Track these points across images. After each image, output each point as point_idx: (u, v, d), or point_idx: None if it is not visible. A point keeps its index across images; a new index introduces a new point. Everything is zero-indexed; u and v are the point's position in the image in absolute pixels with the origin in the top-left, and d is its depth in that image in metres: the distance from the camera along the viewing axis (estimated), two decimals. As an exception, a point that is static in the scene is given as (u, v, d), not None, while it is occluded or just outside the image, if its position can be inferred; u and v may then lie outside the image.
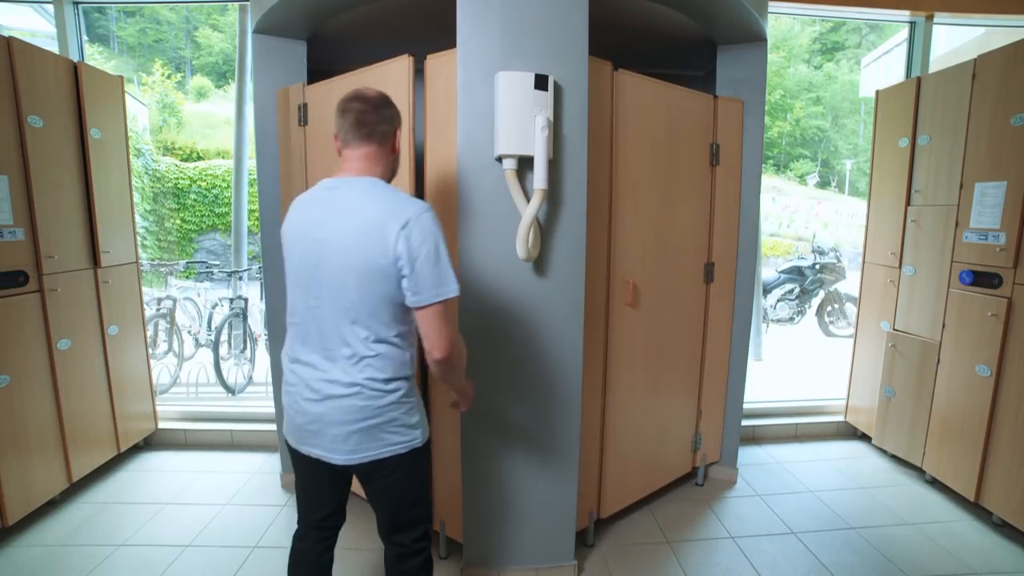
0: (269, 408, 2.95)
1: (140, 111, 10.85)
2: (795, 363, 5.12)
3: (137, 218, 4.04)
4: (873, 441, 3.02)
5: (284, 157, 2.39)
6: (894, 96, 2.87)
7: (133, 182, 2.87)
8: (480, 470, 1.91)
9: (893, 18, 3.34)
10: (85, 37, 3.17)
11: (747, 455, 2.98)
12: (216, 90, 15.88)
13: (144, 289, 3.03)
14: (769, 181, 16.49)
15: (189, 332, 4.41)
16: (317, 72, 2.62)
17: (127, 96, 2.82)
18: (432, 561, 1.50)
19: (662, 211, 2.27)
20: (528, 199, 1.72)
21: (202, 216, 10.23)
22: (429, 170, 1.93)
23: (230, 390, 3.85)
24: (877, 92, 3.00)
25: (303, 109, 2.27)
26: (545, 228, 1.82)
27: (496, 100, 1.70)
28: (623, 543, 2.24)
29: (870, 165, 3.05)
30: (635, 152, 2.13)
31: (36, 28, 4.93)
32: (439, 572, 2.02)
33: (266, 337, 3.83)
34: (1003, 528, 2.29)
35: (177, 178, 10.13)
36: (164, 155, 10.72)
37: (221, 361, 3.87)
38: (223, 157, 10.94)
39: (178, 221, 10.14)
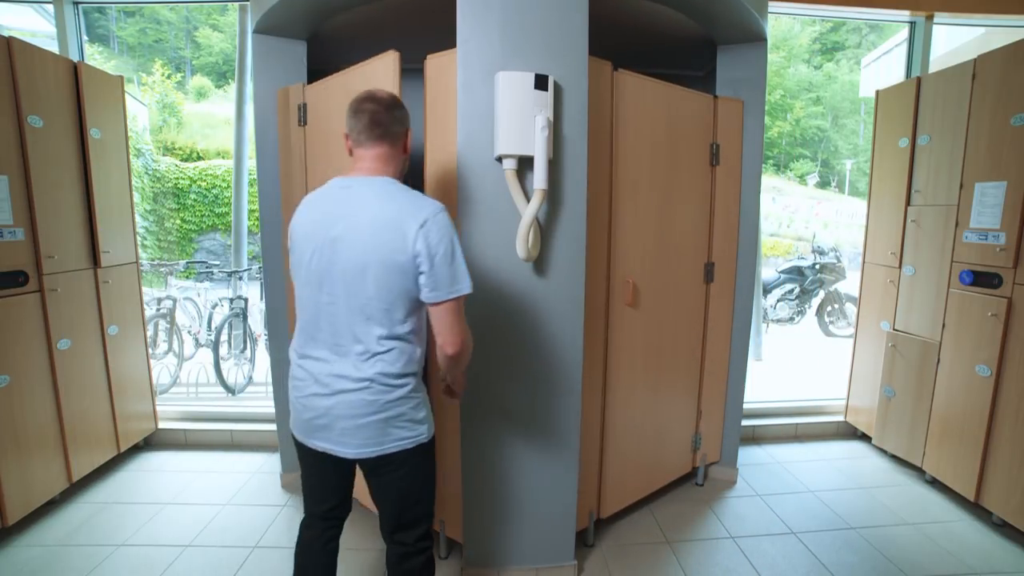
0: (269, 408, 2.95)
1: (140, 111, 10.85)
2: (795, 363, 5.12)
3: (137, 218, 4.04)
4: (873, 441, 3.02)
5: (284, 157, 2.39)
6: (894, 96, 2.87)
7: (133, 182, 2.87)
8: (480, 470, 1.91)
9: (893, 18, 3.34)
10: (85, 37, 3.17)
11: (747, 455, 2.98)
12: (216, 90, 15.88)
13: (144, 289, 3.04)
14: (769, 181, 16.50)
15: (189, 332, 4.41)
16: (317, 72, 2.62)
17: (127, 96, 2.82)
18: (434, 561, 1.52)
19: (662, 211, 2.27)
20: (528, 199, 1.72)
21: (202, 216, 10.23)
22: (429, 170, 1.93)
23: (230, 390, 3.85)
24: (877, 92, 3.00)
25: (303, 109, 2.27)
26: (545, 228, 1.82)
27: (496, 100, 1.70)
28: (623, 543, 2.24)
29: (870, 165, 3.05)
30: (635, 152, 2.13)
31: (36, 28, 4.93)
32: (439, 572, 2.02)
33: (266, 337, 3.84)
34: (1003, 528, 2.29)
35: (177, 178, 10.14)
36: (164, 155, 10.73)
37: (221, 361, 3.87)
38: (223, 157, 10.94)
39: (178, 221, 10.15)
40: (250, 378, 4.06)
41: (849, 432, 3.25)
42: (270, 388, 2.99)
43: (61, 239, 2.38)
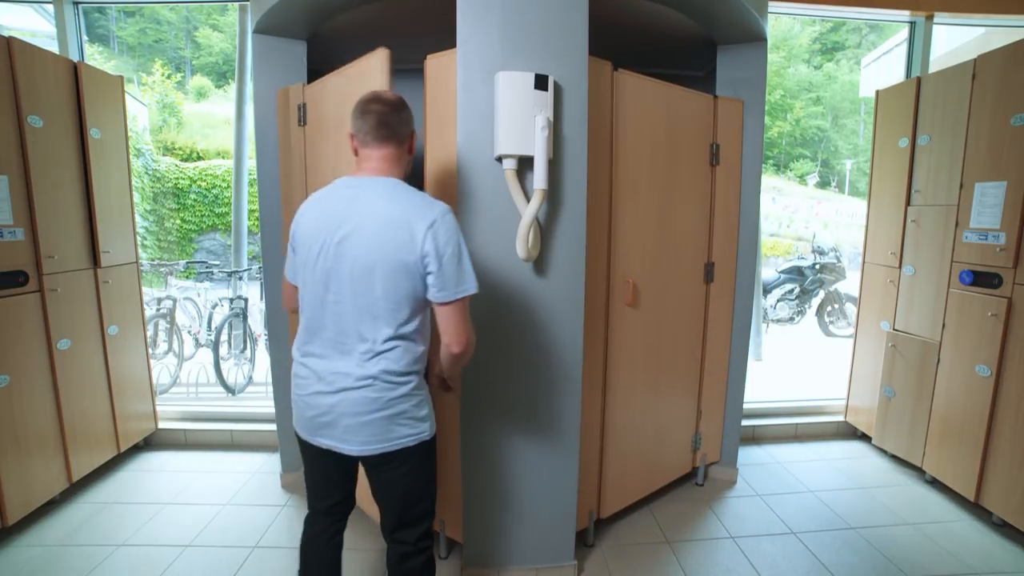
0: (269, 408, 2.95)
1: (140, 111, 10.85)
2: (795, 363, 5.12)
3: (137, 218, 4.04)
4: (873, 441, 3.02)
5: (284, 157, 2.39)
6: (894, 96, 2.87)
7: (133, 182, 2.87)
8: (480, 470, 1.91)
9: (893, 18, 3.34)
10: (85, 37, 3.17)
11: (747, 455, 2.98)
12: (216, 90, 15.88)
13: (144, 289, 3.03)
14: (769, 181, 16.50)
15: (189, 332, 4.41)
16: (317, 72, 2.62)
17: (127, 96, 2.82)
18: (435, 561, 1.52)
19: (662, 211, 2.27)
20: (528, 199, 1.72)
21: (202, 216, 10.23)
22: (429, 170, 1.93)
23: (230, 390, 3.85)
24: (877, 92, 3.00)
25: (303, 109, 2.27)
26: (545, 228, 1.82)
27: (496, 100, 1.70)
28: (623, 543, 2.24)
29: (870, 165, 3.05)
30: (635, 152, 2.13)
31: (36, 28, 4.93)
32: (439, 572, 2.02)
33: (266, 337, 3.84)
34: (1003, 528, 2.29)
35: (177, 178, 10.14)
36: (164, 155, 10.73)
37: (221, 361, 3.87)
38: (223, 157, 10.94)
39: (178, 221, 10.15)
40: (250, 378, 4.06)
41: (849, 432, 3.25)
42: (270, 388, 2.99)
43: (61, 239, 2.38)
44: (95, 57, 13.23)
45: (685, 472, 2.65)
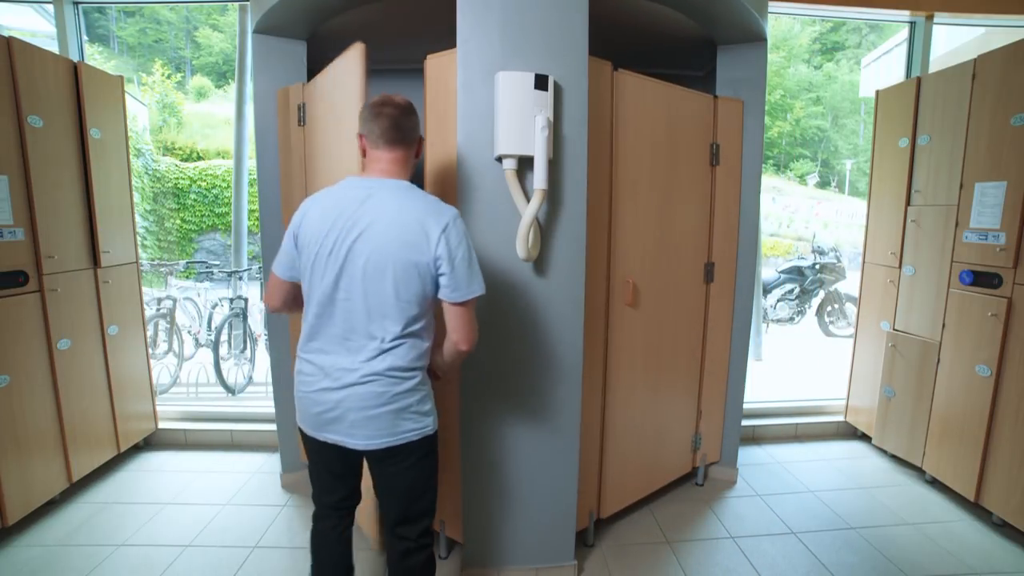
0: (269, 408, 2.95)
1: (140, 111, 10.85)
2: (795, 363, 5.12)
3: (137, 218, 4.04)
4: (873, 441, 3.02)
5: (284, 157, 2.39)
6: (894, 96, 2.87)
7: (133, 182, 2.87)
8: (480, 470, 1.91)
9: (893, 18, 3.34)
10: (85, 37, 3.17)
11: (747, 455, 2.98)
12: (216, 90, 15.88)
13: (144, 289, 3.03)
14: (769, 181, 16.49)
15: (189, 332, 4.41)
16: (317, 72, 2.62)
17: (127, 96, 2.82)
18: (435, 559, 1.54)
19: (662, 211, 2.27)
20: (528, 199, 1.72)
21: (202, 216, 10.23)
22: (429, 170, 1.93)
23: (230, 390, 3.85)
24: (877, 92, 3.00)
25: (303, 109, 2.27)
26: (545, 228, 1.82)
27: (496, 100, 1.70)
28: (623, 543, 2.24)
29: (870, 165, 3.05)
30: (635, 152, 2.13)
31: (36, 28, 4.93)
32: (439, 572, 2.02)
33: (266, 337, 3.84)
34: (1003, 528, 2.29)
35: (177, 178, 10.14)
36: (164, 155, 10.73)
37: (221, 361, 3.87)
38: (223, 157, 10.94)
39: (178, 221, 10.15)
40: (250, 378, 4.06)
41: (849, 432, 3.25)
42: (270, 388, 2.99)
43: (61, 239, 2.38)
44: (95, 57, 13.23)
45: (685, 472, 2.65)
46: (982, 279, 2.31)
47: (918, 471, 2.75)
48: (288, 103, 2.32)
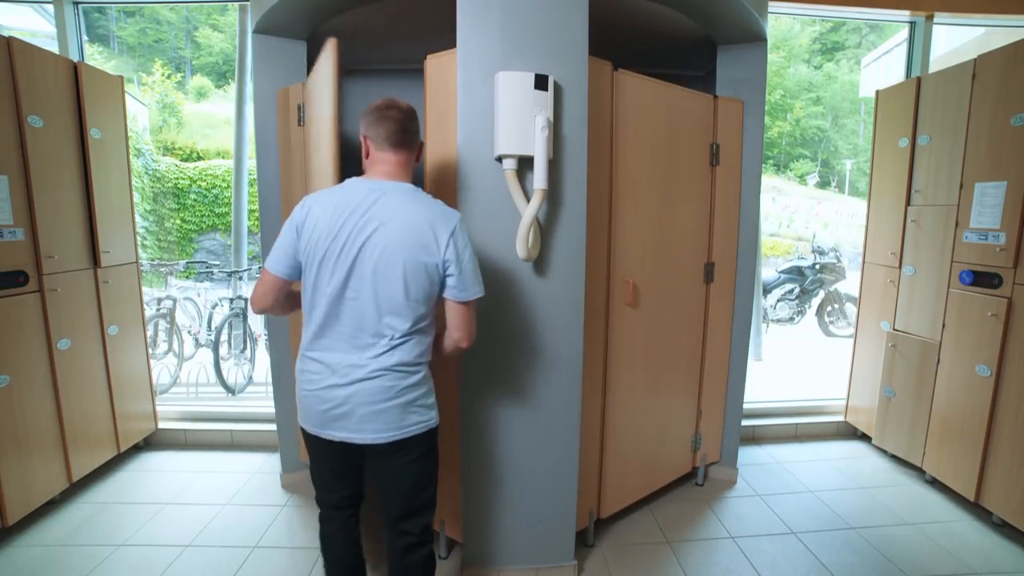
0: (269, 408, 2.95)
1: (140, 111, 10.85)
2: (795, 363, 5.12)
3: (137, 218, 4.04)
4: (873, 441, 3.02)
5: (284, 157, 2.39)
6: (894, 96, 2.87)
7: (133, 182, 2.87)
8: (480, 470, 1.91)
9: (893, 18, 3.34)
10: (85, 37, 3.17)
11: (747, 455, 2.98)
12: (216, 90, 15.87)
13: (144, 289, 3.03)
14: (769, 181, 16.49)
15: (189, 332, 4.41)
16: (317, 72, 2.62)
17: (127, 96, 2.82)
18: (435, 556, 1.56)
19: (662, 211, 2.27)
20: (528, 199, 1.72)
21: (202, 216, 10.23)
22: (429, 170, 1.93)
23: (230, 390, 3.85)
24: (877, 92, 3.00)
25: (303, 109, 2.27)
26: (545, 228, 1.82)
27: (496, 100, 1.70)
28: (623, 543, 2.24)
29: (870, 165, 3.05)
30: (635, 152, 2.13)
31: (36, 28, 4.93)
32: (439, 572, 2.02)
33: (266, 337, 3.83)
34: (1003, 528, 2.29)
35: (177, 178, 10.13)
36: (164, 155, 10.72)
37: (221, 361, 3.87)
38: (223, 157, 10.94)
39: (178, 221, 10.15)
40: (250, 378, 4.06)
41: (849, 432, 3.25)
42: (270, 388, 2.99)
43: (61, 239, 2.38)
44: (95, 57, 13.23)
45: (685, 472, 2.65)
46: (982, 279, 2.31)
47: (918, 471, 2.75)
48: (288, 103, 2.32)
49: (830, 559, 2.13)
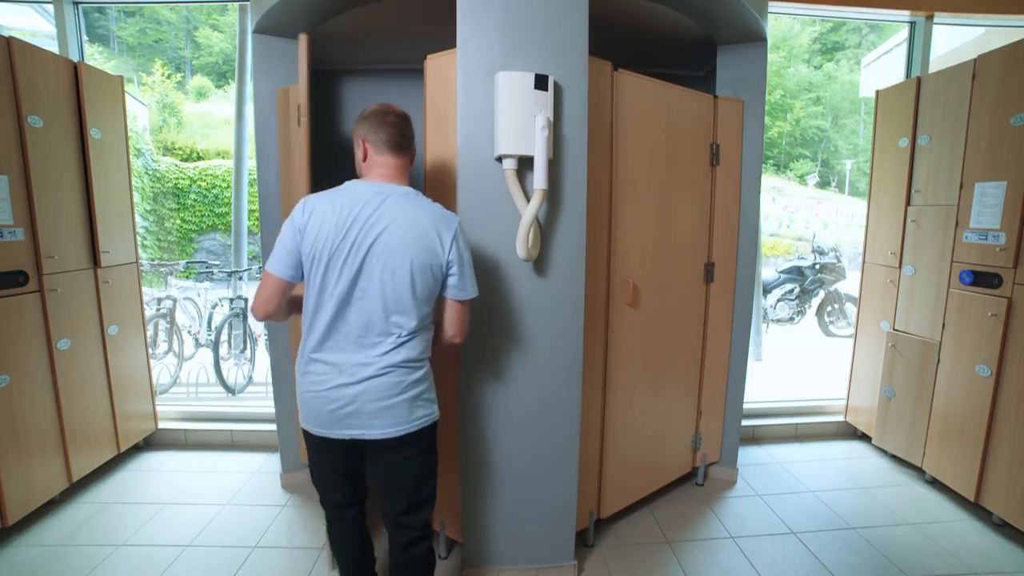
0: (269, 408, 2.95)
1: (140, 111, 10.84)
2: (795, 363, 5.12)
3: (137, 218, 4.04)
4: (873, 441, 3.02)
5: (284, 157, 2.39)
6: (894, 96, 2.87)
7: (133, 182, 2.87)
8: (480, 469, 1.91)
9: (893, 18, 3.34)
10: (85, 37, 3.17)
11: (747, 455, 2.98)
12: (216, 90, 15.86)
13: (144, 289, 3.03)
14: (769, 181, 16.49)
15: (189, 332, 4.41)
16: (317, 72, 2.62)
17: (127, 96, 2.82)
18: (435, 552, 1.59)
19: (662, 211, 2.27)
20: (528, 199, 1.72)
21: (202, 216, 10.23)
22: (429, 170, 1.93)
23: (230, 390, 3.85)
24: (877, 92, 3.00)
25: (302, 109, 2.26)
26: (545, 228, 1.82)
27: (496, 100, 1.70)
28: (623, 543, 2.24)
29: (870, 165, 3.05)
30: (635, 152, 2.13)
31: (36, 28, 4.93)
32: (439, 572, 2.02)
33: (266, 337, 3.83)
34: (1003, 528, 2.29)
35: (177, 178, 10.13)
36: (164, 155, 10.72)
37: (221, 361, 3.87)
38: (223, 157, 10.93)
39: (178, 221, 10.14)
40: (250, 378, 4.06)
41: (849, 432, 3.25)
42: (270, 388, 2.99)
43: (61, 239, 2.38)
44: (95, 57, 13.23)
45: (685, 472, 2.65)
46: (982, 279, 2.31)
47: (918, 471, 2.75)
48: (288, 103, 2.32)
49: (830, 559, 2.13)
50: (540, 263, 1.83)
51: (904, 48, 3.41)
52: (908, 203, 2.75)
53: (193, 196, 10.12)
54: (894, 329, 2.84)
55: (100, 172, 2.58)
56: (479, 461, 1.91)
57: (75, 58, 2.91)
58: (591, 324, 2.02)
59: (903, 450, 2.79)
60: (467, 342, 1.81)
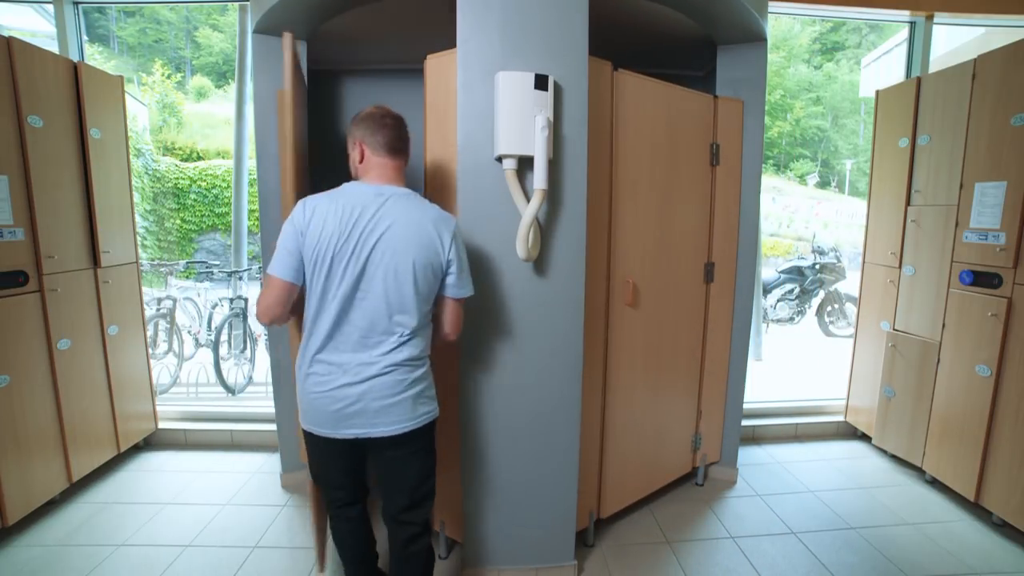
0: (269, 408, 2.95)
1: (140, 111, 10.84)
2: (795, 363, 5.12)
3: (137, 218, 4.04)
4: (873, 441, 3.02)
5: (284, 157, 2.39)
6: (894, 96, 2.87)
7: (133, 182, 2.87)
8: (480, 470, 1.91)
9: (893, 18, 3.34)
10: (85, 37, 3.17)
11: (747, 455, 2.98)
12: (216, 90, 15.86)
13: (144, 289, 3.03)
14: (769, 181, 16.49)
15: (189, 332, 4.41)
16: (317, 72, 2.62)
17: (127, 96, 2.82)
18: (434, 551, 1.61)
19: (662, 211, 2.27)
20: (528, 199, 1.72)
21: (202, 216, 10.22)
22: (429, 170, 1.93)
23: (230, 390, 3.85)
24: (877, 92, 3.00)
25: (303, 109, 2.27)
26: (545, 228, 1.82)
27: (496, 100, 1.70)
28: (623, 543, 2.24)
29: (870, 165, 3.05)
30: (635, 152, 2.13)
31: (36, 28, 4.93)
32: (439, 573, 2.02)
33: (266, 337, 3.84)
34: (1003, 528, 2.29)
35: (177, 178, 10.13)
36: (164, 155, 10.72)
37: (221, 361, 3.87)
38: (223, 157, 10.93)
39: (178, 221, 10.14)
40: (250, 378, 4.06)
41: (849, 432, 3.25)
42: (270, 388, 2.99)
43: (61, 239, 2.38)
44: (95, 57, 13.23)
45: (685, 472, 2.65)
46: (982, 279, 2.31)
47: (918, 471, 2.75)
48: (288, 103, 2.31)
49: (830, 559, 2.13)
50: (540, 263, 1.83)
51: (904, 48, 3.41)
52: (908, 203, 2.75)
53: (193, 196, 10.12)
54: (894, 329, 2.84)
55: (100, 172, 2.58)
56: (479, 461, 1.90)
57: (75, 58, 2.91)
58: (591, 324, 2.02)
59: (903, 450, 2.79)
60: (467, 342, 1.82)
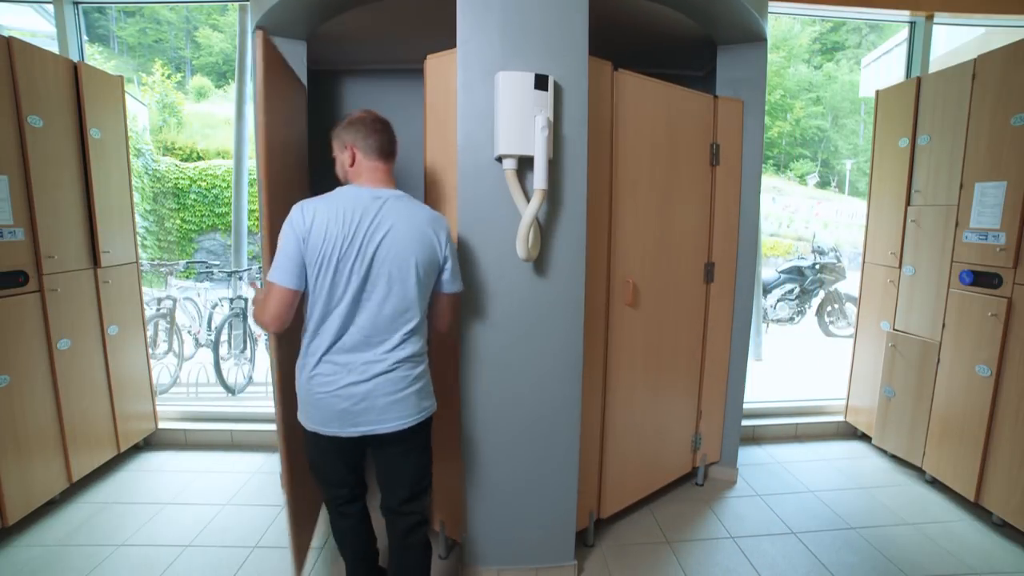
0: (269, 408, 2.95)
1: (140, 111, 10.84)
2: (795, 363, 5.12)
3: (137, 218, 4.04)
4: (873, 441, 3.02)
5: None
6: (894, 96, 2.87)
7: (133, 182, 2.87)
8: (480, 470, 1.91)
9: (893, 18, 3.34)
10: (85, 37, 3.17)
11: (747, 455, 2.98)
12: (216, 90, 15.86)
13: (144, 289, 3.03)
14: (769, 181, 16.49)
15: (189, 332, 4.41)
16: (317, 72, 2.62)
17: (127, 96, 2.82)
18: (431, 543, 1.63)
19: (662, 211, 2.27)
20: (528, 199, 1.72)
21: (202, 216, 10.22)
22: (429, 170, 1.93)
23: (230, 390, 3.85)
24: (877, 92, 3.00)
25: (303, 109, 2.27)
26: (545, 228, 1.82)
27: (496, 100, 1.70)
28: (623, 543, 2.24)
29: (870, 165, 3.05)
30: (635, 152, 2.13)
31: (36, 28, 4.93)
32: (439, 573, 2.03)
33: (266, 337, 3.84)
34: (1003, 528, 2.29)
35: (177, 178, 10.13)
36: (164, 155, 10.72)
37: (221, 361, 3.87)
38: (223, 157, 10.93)
39: (178, 221, 10.14)
40: (250, 378, 4.06)
41: (849, 432, 3.25)
42: (270, 388, 2.99)
43: (61, 239, 2.38)
44: (95, 57, 13.23)
45: (685, 472, 2.65)
46: (982, 279, 2.31)
47: (918, 471, 2.75)
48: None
49: (830, 559, 2.13)
50: (540, 263, 1.83)
51: (904, 48, 3.41)
52: (908, 203, 2.75)
53: (193, 196, 10.12)
54: (894, 329, 2.84)
55: (100, 172, 2.58)
56: (479, 461, 1.90)
57: (75, 58, 2.91)
58: (591, 324, 2.02)
59: (903, 450, 2.79)
60: (467, 342, 1.82)
